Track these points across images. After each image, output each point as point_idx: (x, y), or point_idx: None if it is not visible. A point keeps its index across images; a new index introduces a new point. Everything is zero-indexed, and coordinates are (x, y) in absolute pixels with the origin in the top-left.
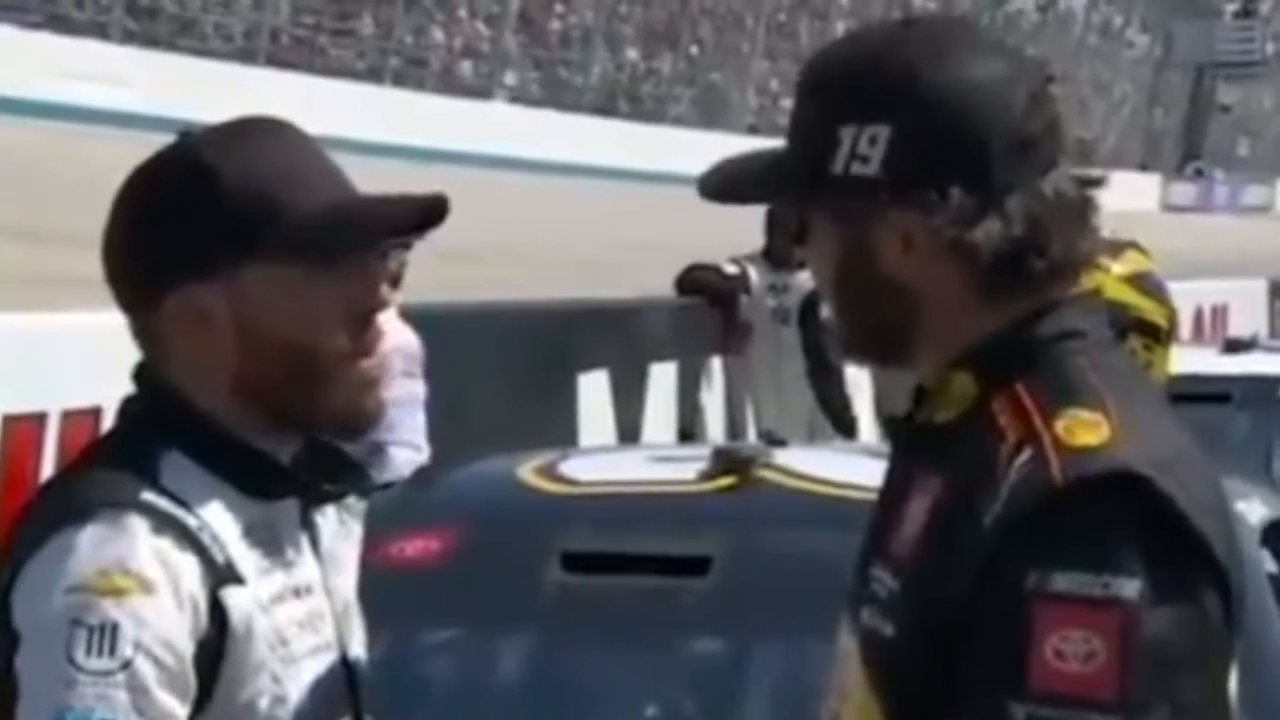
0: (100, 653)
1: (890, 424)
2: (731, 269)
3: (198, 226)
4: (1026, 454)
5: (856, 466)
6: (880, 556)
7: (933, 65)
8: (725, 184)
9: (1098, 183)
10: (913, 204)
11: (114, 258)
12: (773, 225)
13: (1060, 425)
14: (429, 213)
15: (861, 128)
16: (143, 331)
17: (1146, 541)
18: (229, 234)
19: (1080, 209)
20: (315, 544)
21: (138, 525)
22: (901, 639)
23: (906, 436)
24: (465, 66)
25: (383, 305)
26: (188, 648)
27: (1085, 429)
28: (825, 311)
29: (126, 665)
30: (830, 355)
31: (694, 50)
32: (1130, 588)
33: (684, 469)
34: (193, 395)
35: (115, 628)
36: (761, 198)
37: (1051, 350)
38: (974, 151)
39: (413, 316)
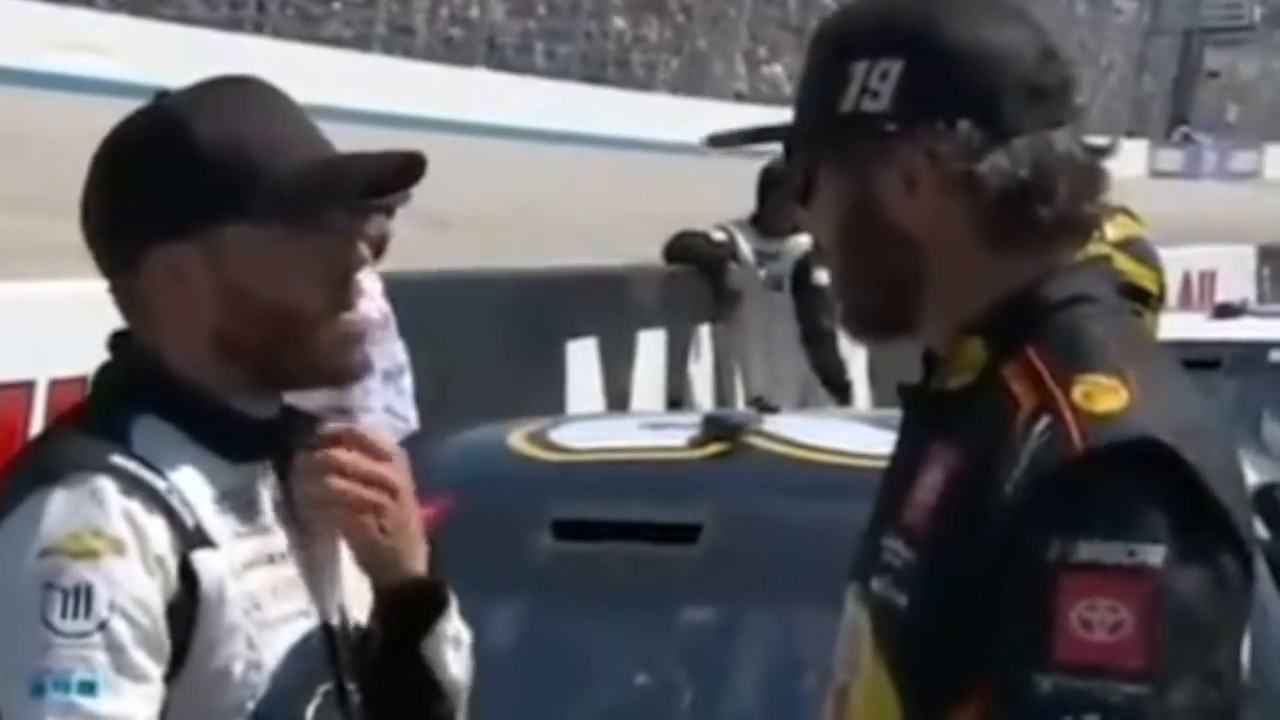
0: (76, 615)
1: (904, 392)
2: (719, 235)
3: (173, 185)
4: (1045, 421)
5: (847, 433)
6: (892, 526)
7: (950, 10)
8: (736, 134)
9: (1105, 151)
10: (919, 138)
11: (92, 220)
12: (764, 190)
13: (1078, 391)
14: (406, 169)
15: (874, 62)
16: (123, 295)
17: (1170, 509)
18: (205, 193)
19: (1089, 173)
20: (291, 510)
21: (107, 487)
22: (916, 610)
23: (920, 404)
24: (452, 33)
25: (362, 264)
26: (160, 608)
27: (1104, 395)
28: (818, 276)
29: (103, 626)
30: (823, 320)
31: (681, 18)
32: (1156, 555)
33: (675, 436)
34: (171, 358)
35: (89, 589)
36: (769, 140)
37: (1063, 314)
38: (985, 89)
39: (400, 284)
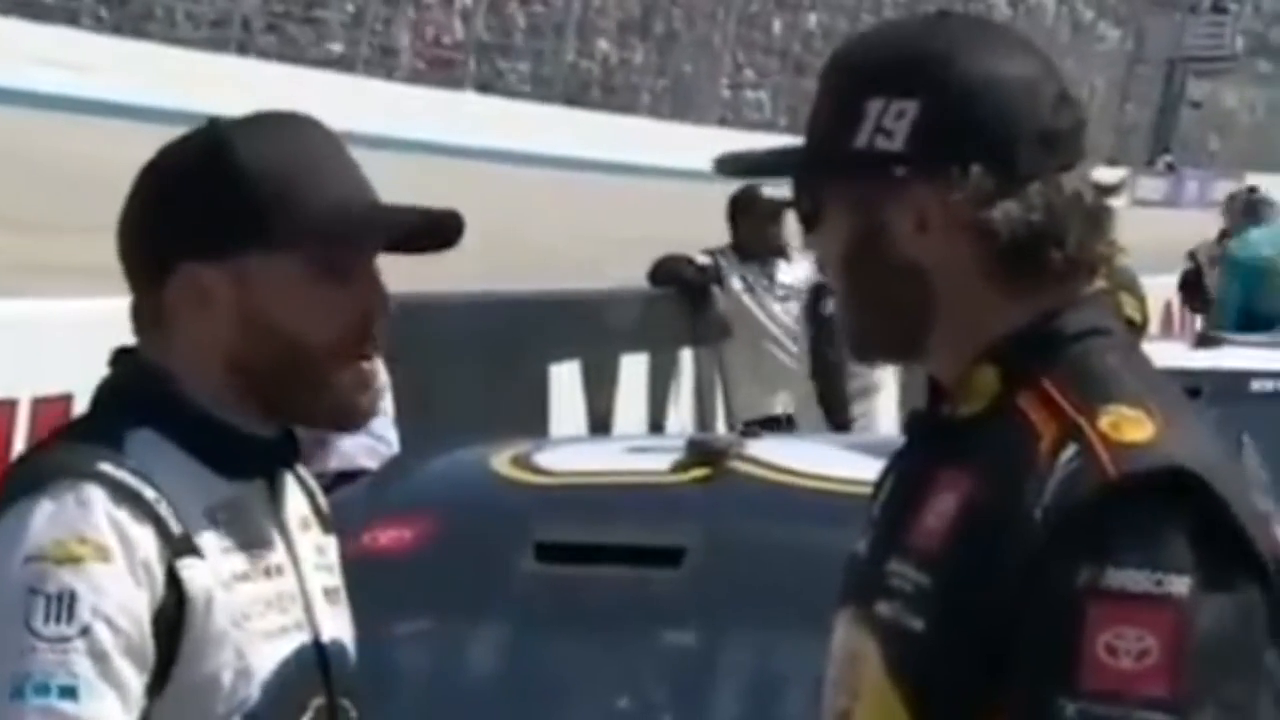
0: (58, 619)
1: (910, 418)
2: (704, 260)
3: (210, 206)
4: (1072, 449)
5: (830, 458)
6: (899, 550)
7: (966, 52)
8: (743, 160)
9: (1113, 189)
10: (932, 181)
11: (127, 233)
12: (735, 216)
13: (1105, 421)
14: (444, 225)
15: (889, 102)
16: (144, 309)
17: (1198, 539)
18: (240, 219)
19: (1098, 213)
20: (285, 526)
21: (94, 494)
22: (933, 633)
23: (926, 431)
24: (436, 56)
25: (386, 309)
26: (145, 616)
27: (1131, 425)
28: (828, 308)
29: (85, 631)
30: (830, 353)
31: (665, 42)
32: (1182, 584)
33: (658, 460)
34: (181, 375)
35: (73, 595)
36: (778, 171)
37: (1077, 347)
38: (1000, 134)
39: None
